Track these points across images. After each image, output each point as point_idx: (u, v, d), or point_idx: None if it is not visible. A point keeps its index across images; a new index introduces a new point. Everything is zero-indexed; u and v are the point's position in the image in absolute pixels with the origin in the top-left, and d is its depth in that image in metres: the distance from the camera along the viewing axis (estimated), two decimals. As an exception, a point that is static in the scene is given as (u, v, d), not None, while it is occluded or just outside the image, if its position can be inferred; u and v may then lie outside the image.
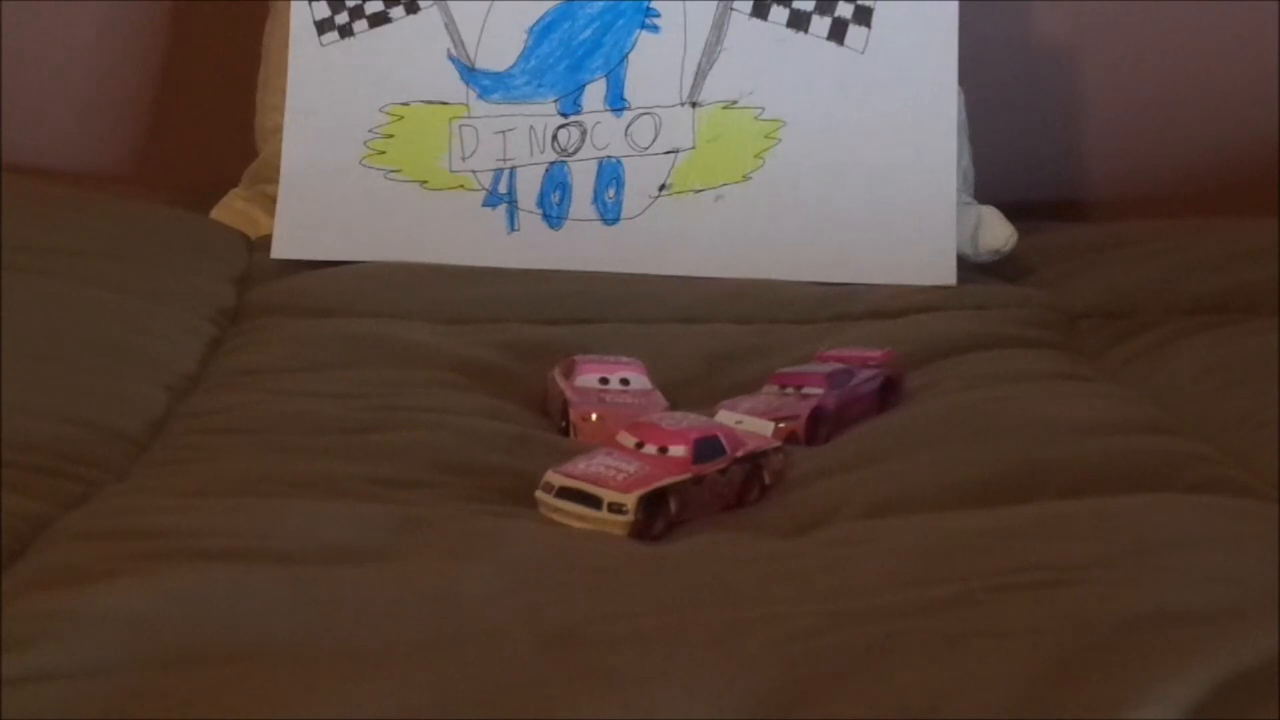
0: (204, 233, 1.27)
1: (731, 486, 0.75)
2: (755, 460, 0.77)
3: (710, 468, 0.74)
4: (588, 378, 0.90)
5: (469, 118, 1.26)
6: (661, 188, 1.25)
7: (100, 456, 0.79)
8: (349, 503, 0.73)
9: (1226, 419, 0.88)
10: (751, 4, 1.27)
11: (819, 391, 0.88)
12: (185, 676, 0.54)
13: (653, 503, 0.71)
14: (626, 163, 1.25)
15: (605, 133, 1.25)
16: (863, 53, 1.27)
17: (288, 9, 1.28)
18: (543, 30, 1.27)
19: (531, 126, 1.26)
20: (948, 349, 1.03)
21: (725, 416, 0.84)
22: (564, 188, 1.25)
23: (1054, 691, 0.52)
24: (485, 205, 1.25)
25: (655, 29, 1.27)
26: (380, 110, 1.26)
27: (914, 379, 0.95)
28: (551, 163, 1.25)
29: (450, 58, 1.27)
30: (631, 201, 1.25)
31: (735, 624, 0.58)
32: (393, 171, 1.25)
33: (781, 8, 1.27)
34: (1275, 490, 0.76)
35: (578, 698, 0.53)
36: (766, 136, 1.26)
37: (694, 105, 1.26)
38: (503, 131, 1.25)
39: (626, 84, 1.26)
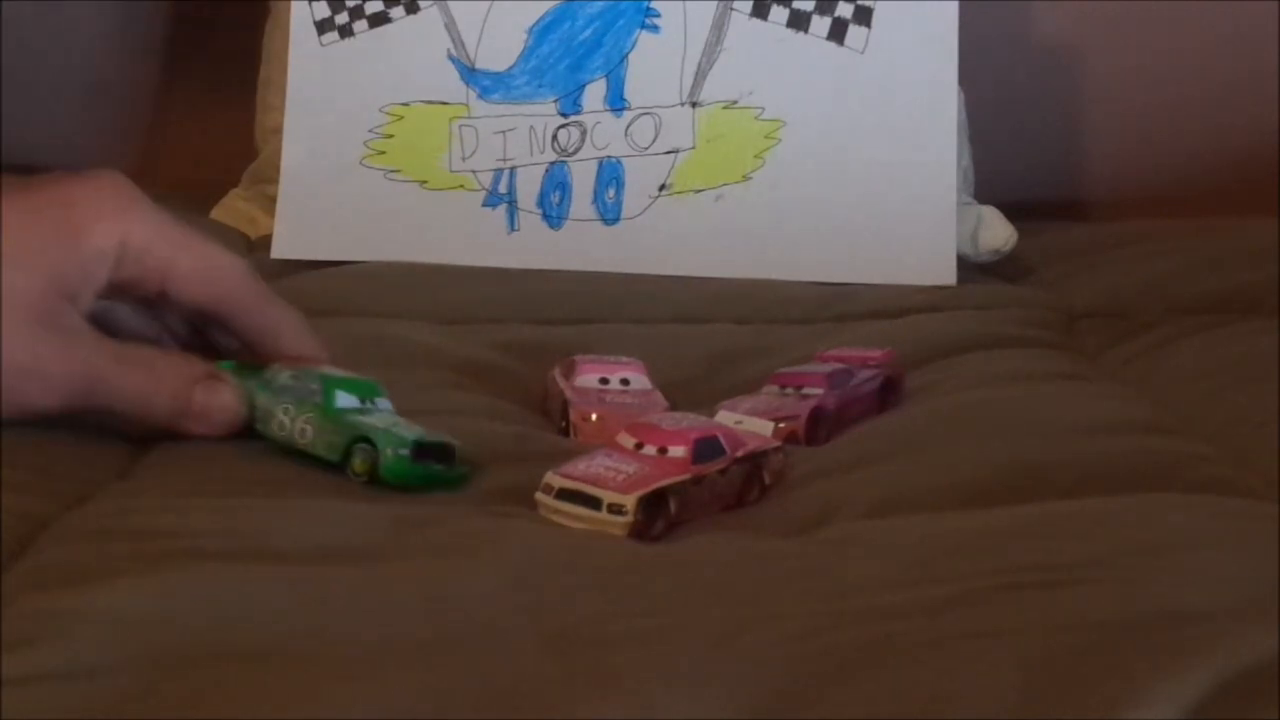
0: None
1: (731, 487, 0.75)
2: (755, 460, 0.77)
3: (710, 468, 0.74)
4: (588, 378, 0.90)
5: (469, 118, 1.26)
6: (662, 188, 1.25)
7: (100, 456, 0.79)
8: (348, 503, 0.73)
9: (1226, 419, 0.88)
10: (751, 4, 1.27)
11: (819, 391, 0.88)
12: (185, 676, 0.54)
13: (652, 503, 0.71)
14: (626, 163, 1.25)
15: (605, 133, 1.26)
16: (863, 53, 1.27)
17: (288, 9, 1.28)
18: (543, 30, 1.27)
19: (531, 126, 1.26)
20: (948, 349, 1.03)
21: (725, 417, 0.84)
22: (564, 188, 1.25)
23: (1054, 691, 0.52)
24: (485, 205, 1.25)
25: (655, 29, 1.27)
26: (380, 110, 1.26)
27: (914, 379, 0.95)
28: (551, 163, 1.25)
29: (450, 58, 1.27)
30: (631, 201, 1.25)
31: (735, 624, 0.58)
32: (393, 171, 1.25)
33: (781, 8, 1.27)
34: (1275, 490, 0.76)
35: (578, 697, 0.53)
36: (766, 136, 1.26)
37: (694, 105, 1.26)
38: (503, 131, 1.25)
39: (626, 84, 1.26)
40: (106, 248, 0.76)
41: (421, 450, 0.74)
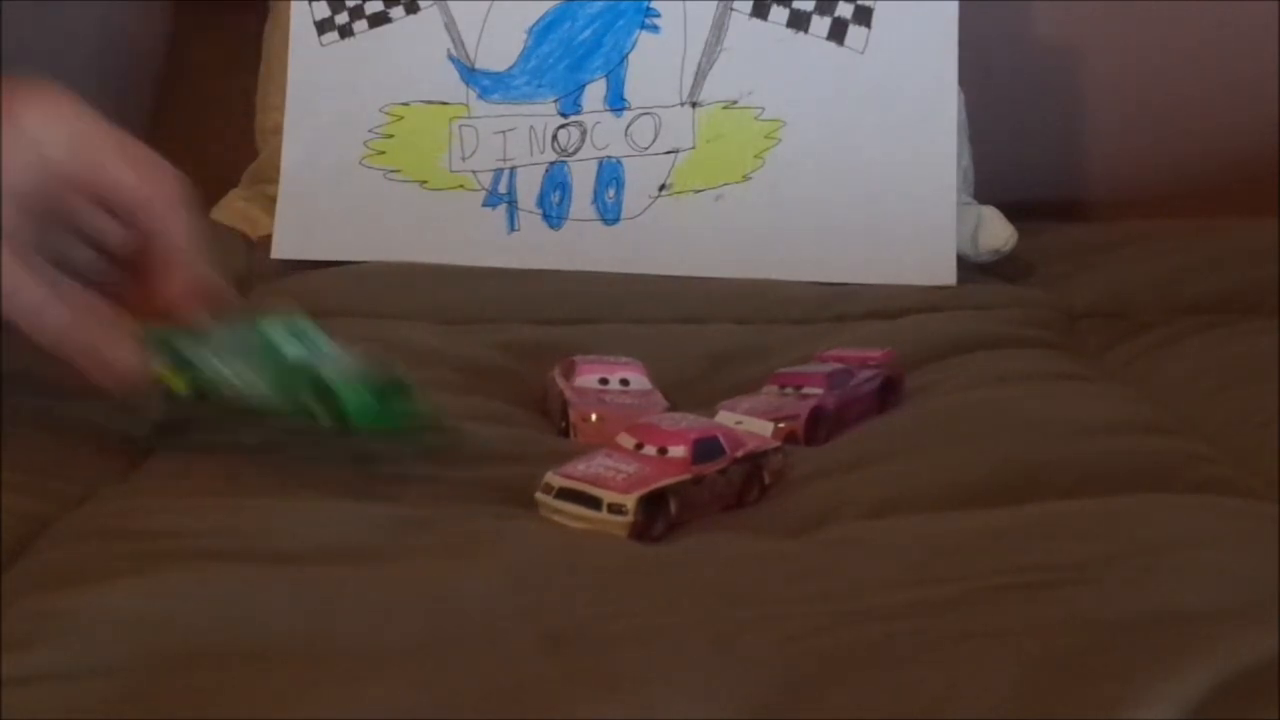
0: (204, 233, 1.27)
1: (731, 487, 0.75)
2: (755, 460, 0.77)
3: (710, 468, 0.74)
4: (587, 378, 0.90)
5: (469, 118, 1.26)
6: (661, 188, 1.25)
7: (100, 457, 0.79)
8: (349, 503, 0.73)
9: (1226, 419, 0.88)
10: (751, 4, 1.27)
11: (819, 391, 0.88)
12: (185, 676, 0.54)
13: (652, 504, 0.71)
14: (626, 163, 1.25)
15: (605, 133, 1.25)
16: (863, 53, 1.27)
17: (288, 9, 1.28)
18: (543, 30, 1.27)
19: (531, 126, 1.26)
20: (948, 349, 1.03)
21: (725, 417, 0.84)
22: (564, 188, 1.25)
23: (1054, 691, 0.52)
24: (485, 205, 1.25)
25: (655, 29, 1.27)
26: (380, 110, 1.26)
27: (914, 379, 0.95)
28: (551, 163, 1.25)
29: (450, 58, 1.27)
30: (631, 201, 1.25)
31: (735, 624, 0.58)
32: (393, 171, 1.25)
33: (781, 8, 1.27)
34: (1275, 490, 0.76)
35: (578, 698, 0.53)
36: (766, 136, 1.26)
37: (694, 105, 1.26)
38: (503, 131, 1.25)
39: (626, 84, 1.26)
40: (41, 133, 0.75)
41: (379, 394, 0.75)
